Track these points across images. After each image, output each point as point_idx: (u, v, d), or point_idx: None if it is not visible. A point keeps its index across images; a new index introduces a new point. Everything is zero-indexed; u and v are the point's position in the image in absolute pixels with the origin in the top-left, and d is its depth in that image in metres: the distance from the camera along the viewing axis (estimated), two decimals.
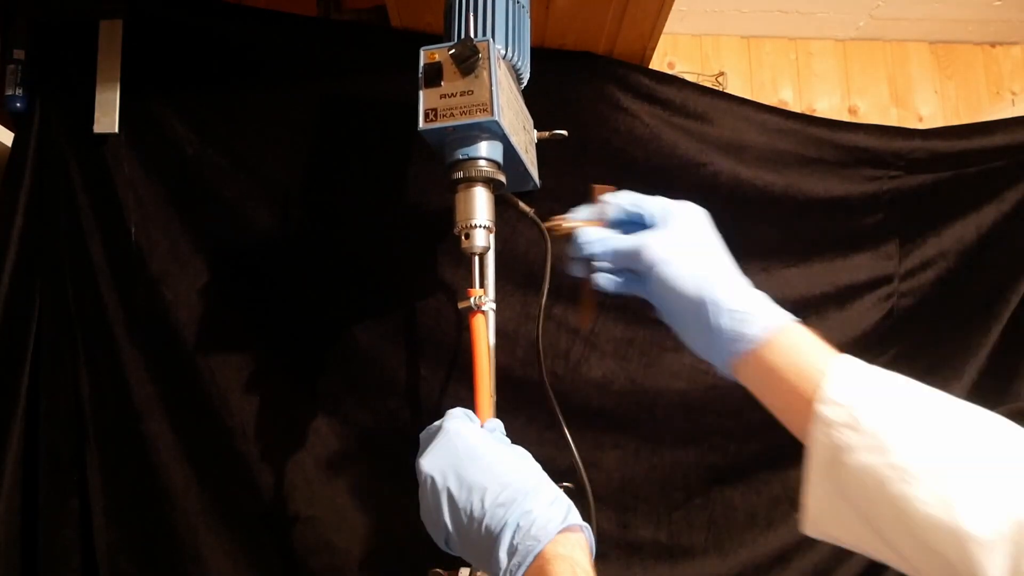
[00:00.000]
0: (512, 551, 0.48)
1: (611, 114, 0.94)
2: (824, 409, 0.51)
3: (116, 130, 0.88)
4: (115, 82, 0.88)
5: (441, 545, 0.56)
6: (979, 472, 0.46)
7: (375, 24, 0.94)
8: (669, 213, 0.57)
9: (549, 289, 0.77)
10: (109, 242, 0.88)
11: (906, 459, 0.47)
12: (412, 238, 0.92)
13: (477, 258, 0.66)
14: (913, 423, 0.49)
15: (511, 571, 0.47)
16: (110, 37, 0.89)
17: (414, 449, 0.90)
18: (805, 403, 0.52)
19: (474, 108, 0.62)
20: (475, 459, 0.54)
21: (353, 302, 0.91)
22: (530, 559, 0.47)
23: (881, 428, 0.49)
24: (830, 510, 0.54)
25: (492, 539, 0.49)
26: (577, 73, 0.94)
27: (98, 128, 0.87)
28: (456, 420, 0.57)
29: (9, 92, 0.88)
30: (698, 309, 0.55)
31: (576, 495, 0.67)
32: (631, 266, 0.57)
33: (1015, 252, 1.02)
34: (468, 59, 0.62)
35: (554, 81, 0.91)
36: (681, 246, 0.56)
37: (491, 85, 0.61)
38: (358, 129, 0.92)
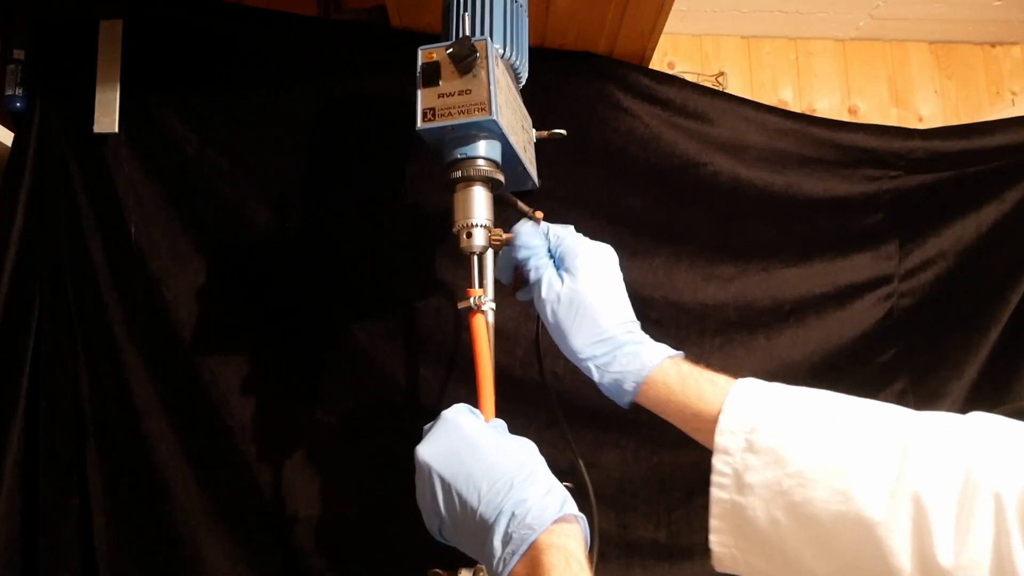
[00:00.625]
0: (506, 540, 0.48)
1: (611, 114, 0.94)
2: (721, 440, 0.54)
3: (116, 130, 0.88)
4: (115, 82, 0.88)
5: (435, 534, 0.56)
6: (871, 461, 0.48)
7: (375, 24, 0.94)
8: (576, 255, 0.64)
9: None
10: (109, 242, 0.88)
11: (802, 466, 0.49)
12: (412, 238, 0.92)
13: (476, 258, 0.66)
14: (806, 432, 0.51)
15: (504, 559, 0.47)
16: (110, 37, 0.89)
17: (414, 448, 0.90)
18: (708, 432, 0.56)
19: (472, 107, 0.62)
20: (472, 447, 0.54)
21: (353, 302, 0.91)
22: (524, 548, 0.47)
23: (776, 444, 0.51)
24: (737, 548, 0.54)
25: (486, 527, 0.49)
26: (577, 73, 0.94)
27: (98, 128, 0.87)
28: (456, 411, 0.57)
29: (9, 92, 0.88)
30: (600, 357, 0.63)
31: (577, 495, 0.67)
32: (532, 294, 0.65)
33: (1015, 252, 1.02)
34: (466, 58, 0.61)
35: (554, 81, 0.91)
36: (574, 294, 0.63)
37: (489, 84, 0.61)
38: (358, 129, 0.92)
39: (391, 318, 0.91)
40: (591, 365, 0.63)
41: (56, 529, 0.84)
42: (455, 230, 0.66)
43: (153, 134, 0.90)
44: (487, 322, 0.66)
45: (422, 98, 0.63)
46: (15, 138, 0.88)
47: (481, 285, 0.67)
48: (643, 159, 0.95)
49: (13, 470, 0.83)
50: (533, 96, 0.78)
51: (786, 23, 1.20)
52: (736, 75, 1.20)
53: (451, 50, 0.62)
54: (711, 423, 0.55)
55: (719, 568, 0.56)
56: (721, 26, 1.20)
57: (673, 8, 0.86)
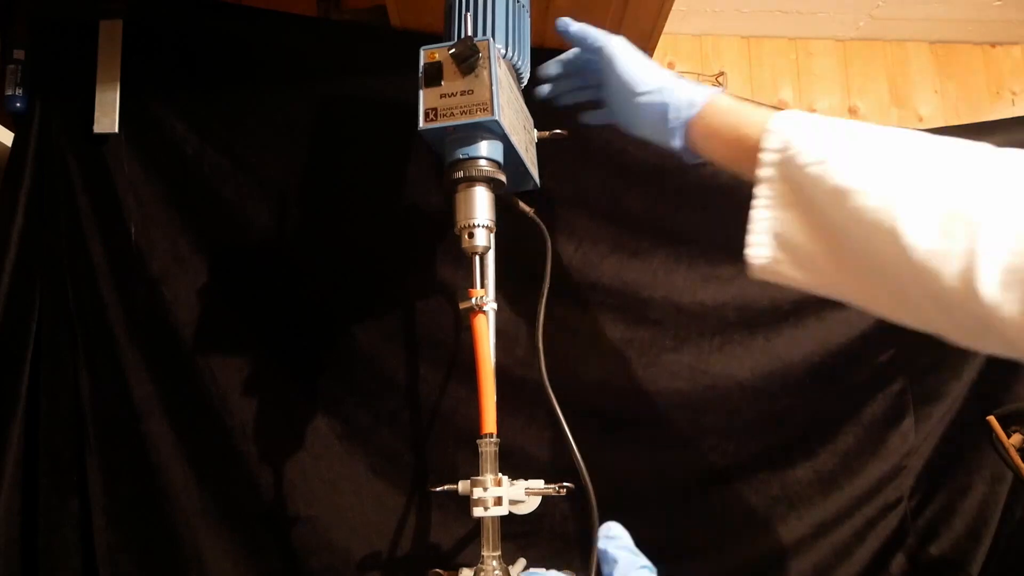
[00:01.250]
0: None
1: None
2: (769, 139, 0.58)
3: (116, 130, 0.88)
4: (115, 82, 0.88)
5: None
6: (922, 192, 0.50)
7: (375, 24, 0.94)
8: (608, 36, 0.70)
9: (549, 289, 0.77)
10: (109, 242, 0.88)
11: (848, 168, 0.53)
12: (412, 238, 0.92)
13: (478, 258, 0.66)
14: (853, 140, 0.55)
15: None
16: (110, 37, 0.89)
17: (414, 448, 0.90)
18: (753, 148, 0.59)
19: (474, 107, 0.62)
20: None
21: (353, 302, 0.91)
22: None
23: (825, 144, 0.55)
24: (780, 237, 0.59)
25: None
26: None
27: (98, 128, 0.87)
28: None
29: (9, 92, 0.88)
30: (654, 92, 0.66)
31: (577, 495, 0.67)
32: (594, 67, 0.71)
33: None
34: (468, 58, 0.62)
35: None
36: (630, 48, 0.70)
37: (491, 84, 0.61)
38: (358, 129, 0.92)
39: (391, 318, 0.91)
40: (643, 102, 0.66)
41: (56, 529, 0.84)
42: (457, 230, 0.66)
43: (153, 134, 0.90)
44: (488, 322, 0.66)
45: (424, 98, 0.63)
46: (15, 138, 0.88)
47: (483, 286, 0.67)
48: (643, 159, 0.95)
49: (13, 470, 0.83)
50: (533, 96, 0.78)
51: (786, 23, 1.20)
52: (736, 75, 1.20)
53: (453, 50, 0.62)
54: (756, 143, 0.59)
55: (758, 276, 0.61)
56: (721, 26, 1.20)
57: (673, 8, 0.86)
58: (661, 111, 0.65)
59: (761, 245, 0.59)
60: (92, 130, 0.87)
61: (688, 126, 0.64)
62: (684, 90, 0.65)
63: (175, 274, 0.89)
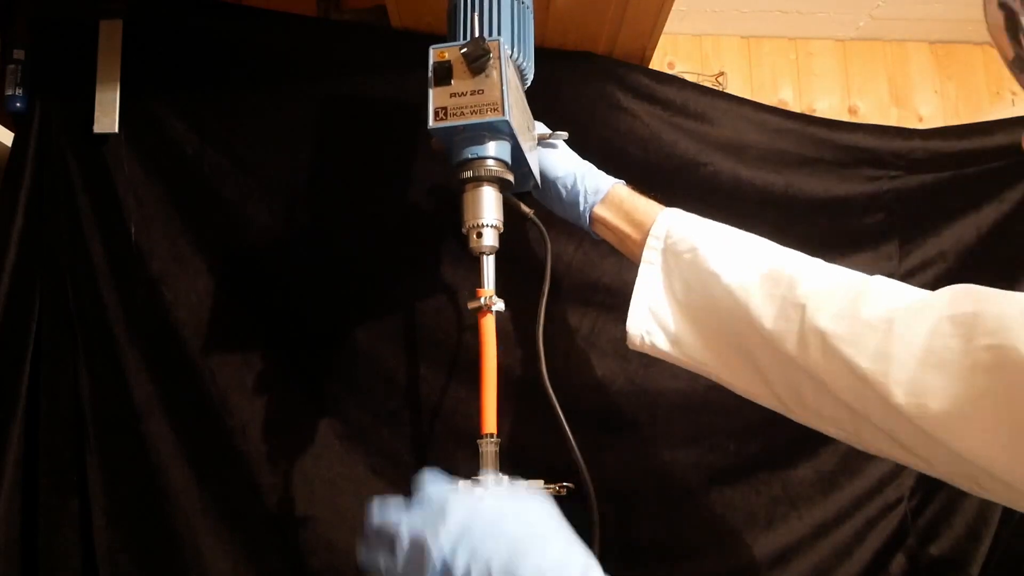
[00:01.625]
0: None
1: (611, 114, 0.94)
2: (655, 229, 0.70)
3: (116, 130, 0.88)
4: (115, 82, 0.88)
5: None
6: (768, 281, 0.63)
7: (375, 24, 0.94)
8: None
9: (549, 289, 0.77)
10: (109, 242, 0.88)
11: (714, 270, 0.65)
12: (412, 238, 0.92)
13: (486, 258, 0.66)
14: (722, 248, 0.66)
15: None
16: (110, 37, 0.89)
17: (414, 448, 0.90)
18: (642, 234, 0.71)
19: (484, 107, 0.62)
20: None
21: (353, 302, 0.91)
22: None
23: (698, 237, 0.67)
24: (655, 314, 0.69)
25: None
26: (577, 73, 0.94)
27: (98, 128, 0.87)
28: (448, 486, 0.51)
29: (9, 92, 0.88)
30: (566, 178, 0.76)
31: (577, 495, 0.67)
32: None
33: (1015, 252, 1.02)
34: (479, 58, 0.62)
35: (554, 81, 0.91)
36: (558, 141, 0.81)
37: (502, 84, 0.61)
38: (358, 129, 0.92)
39: (391, 318, 0.91)
40: (559, 185, 0.76)
41: (56, 529, 0.84)
42: (464, 230, 0.66)
43: (153, 134, 0.90)
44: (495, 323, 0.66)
45: (434, 97, 0.63)
46: (15, 138, 0.88)
47: (491, 285, 0.67)
48: (643, 159, 0.95)
49: (13, 470, 0.83)
50: (533, 96, 0.78)
51: (786, 23, 1.20)
52: (736, 75, 1.20)
53: (465, 50, 0.62)
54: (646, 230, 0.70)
55: (636, 347, 0.70)
56: (721, 26, 1.20)
57: (673, 8, 0.86)
58: (573, 195, 0.76)
59: (638, 319, 0.69)
60: (92, 130, 0.87)
61: (592, 211, 0.75)
62: (592, 179, 0.76)
63: (175, 274, 0.88)
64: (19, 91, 0.88)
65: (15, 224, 0.85)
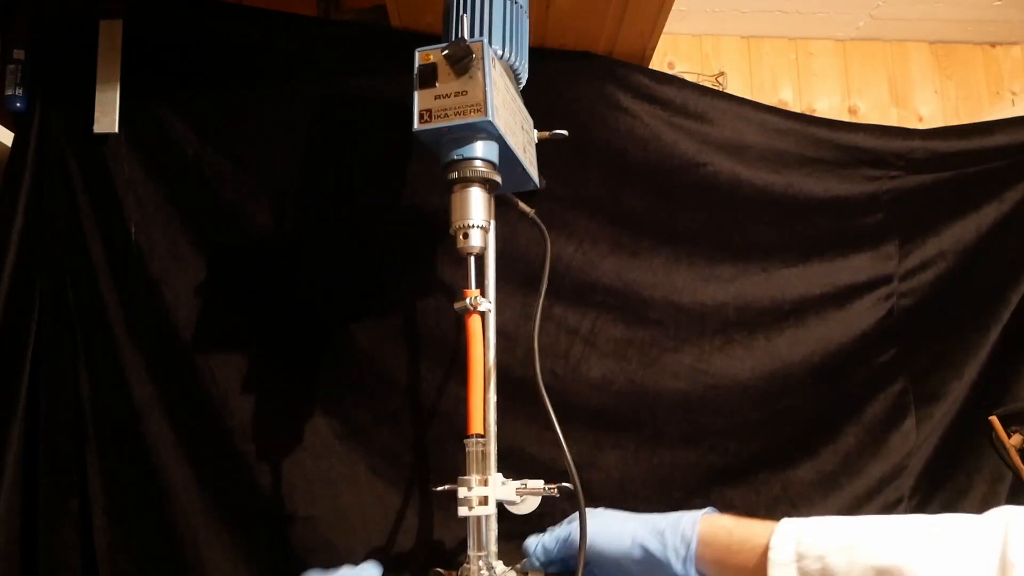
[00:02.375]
0: None
1: (611, 114, 0.94)
2: (773, 555, 0.57)
3: (116, 130, 0.88)
4: (115, 82, 0.88)
5: None
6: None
7: (375, 24, 0.94)
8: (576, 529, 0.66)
9: (548, 289, 0.77)
10: (109, 242, 0.88)
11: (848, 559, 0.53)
12: (412, 238, 0.92)
13: (474, 258, 0.66)
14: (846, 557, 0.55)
15: None
16: (110, 37, 0.89)
17: (414, 448, 0.90)
18: (761, 555, 0.58)
19: (468, 108, 0.62)
20: None
21: (353, 302, 0.91)
22: None
23: (825, 549, 0.55)
24: None
25: None
26: (577, 73, 0.94)
27: (98, 128, 0.87)
28: None
29: (9, 92, 0.88)
30: (636, 548, 0.64)
31: (573, 495, 0.67)
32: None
33: (1015, 252, 1.02)
34: (462, 59, 0.62)
35: (554, 81, 0.91)
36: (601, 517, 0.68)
37: (485, 85, 0.61)
38: (358, 129, 0.92)
39: (391, 318, 0.91)
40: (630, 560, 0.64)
41: (56, 529, 0.84)
42: (452, 231, 0.66)
43: (153, 134, 0.90)
44: (484, 323, 0.66)
45: (419, 99, 0.63)
46: (15, 138, 0.88)
47: (480, 286, 0.67)
48: (643, 159, 0.95)
49: (13, 470, 0.83)
50: (533, 96, 0.78)
51: (786, 23, 1.20)
52: (736, 75, 1.20)
53: (447, 51, 0.62)
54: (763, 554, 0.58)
55: None
56: (721, 26, 1.20)
57: (673, 8, 0.86)
58: (660, 560, 0.63)
59: None
60: (92, 130, 0.87)
61: (696, 557, 0.62)
62: (672, 531, 0.64)
63: (175, 274, 0.88)
64: (19, 91, 0.88)
65: (15, 224, 0.86)
